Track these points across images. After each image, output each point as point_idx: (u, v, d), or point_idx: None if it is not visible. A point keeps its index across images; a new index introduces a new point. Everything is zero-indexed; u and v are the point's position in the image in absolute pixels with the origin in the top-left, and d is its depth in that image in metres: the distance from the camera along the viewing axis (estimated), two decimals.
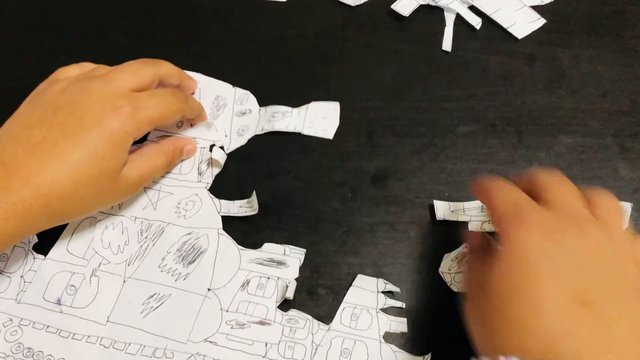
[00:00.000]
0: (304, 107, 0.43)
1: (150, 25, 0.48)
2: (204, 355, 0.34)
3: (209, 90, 0.44)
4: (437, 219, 0.38)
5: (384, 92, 0.44)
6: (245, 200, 0.39)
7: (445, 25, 0.46)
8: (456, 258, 0.37)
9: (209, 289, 0.36)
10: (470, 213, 0.38)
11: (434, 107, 0.43)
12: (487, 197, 0.30)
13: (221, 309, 0.35)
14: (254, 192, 0.38)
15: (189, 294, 0.36)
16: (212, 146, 0.41)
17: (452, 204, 0.39)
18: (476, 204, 0.39)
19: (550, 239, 0.26)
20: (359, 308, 0.36)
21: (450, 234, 0.38)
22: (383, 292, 0.36)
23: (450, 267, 0.37)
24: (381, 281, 0.36)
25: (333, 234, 0.38)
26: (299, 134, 0.42)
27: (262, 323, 0.35)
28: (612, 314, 0.25)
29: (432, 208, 0.39)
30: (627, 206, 0.38)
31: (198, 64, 0.45)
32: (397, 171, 0.40)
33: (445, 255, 0.37)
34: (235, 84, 0.44)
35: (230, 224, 0.38)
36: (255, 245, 0.37)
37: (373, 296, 0.36)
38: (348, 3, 0.48)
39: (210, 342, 0.34)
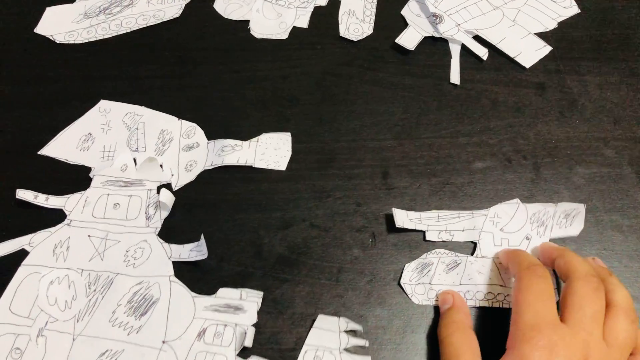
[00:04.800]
0: (254, 139, 0.42)
1: (147, 69, 0.46)
2: None
3: (154, 123, 0.43)
4: (397, 226, 0.37)
5: (395, 130, 0.43)
6: (195, 244, 0.37)
7: (451, 57, 0.45)
8: (416, 269, 0.37)
9: (163, 342, 0.34)
10: (427, 222, 0.38)
11: (447, 143, 0.42)
12: (519, 293, 0.32)
13: None
14: (202, 236, 0.37)
15: (143, 348, 0.34)
16: (159, 188, 0.40)
17: (410, 212, 0.38)
18: (433, 214, 0.38)
19: None
20: (322, 349, 0.34)
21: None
22: (345, 332, 0.35)
23: (411, 278, 0.36)
24: (343, 320, 0.35)
25: (357, 285, 0.37)
26: (311, 180, 0.40)
27: None
28: None
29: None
30: (581, 207, 0.38)
31: (198, 108, 0.44)
32: None
33: (406, 265, 0.37)
34: (240, 128, 0.42)
35: (249, 281, 0.36)
36: (284, 302, 0.36)
37: (335, 336, 0.35)
38: (350, 38, 0.47)
39: None
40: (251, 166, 0.41)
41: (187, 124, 0.43)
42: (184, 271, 0.37)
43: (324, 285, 0.37)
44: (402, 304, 0.36)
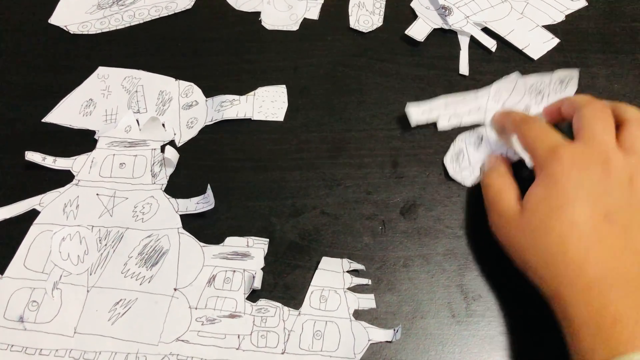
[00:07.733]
0: (251, 93, 0.44)
1: (159, 60, 0.46)
2: (177, 355, 0.34)
3: (152, 85, 0.44)
4: (413, 126, 0.41)
5: (405, 120, 0.43)
6: (202, 196, 0.39)
7: (460, 49, 0.46)
8: (452, 159, 0.41)
9: (175, 289, 0.36)
10: (437, 111, 0.41)
11: (457, 133, 0.42)
12: (524, 137, 0.36)
13: (190, 306, 0.35)
14: (209, 186, 0.38)
15: (156, 296, 0.35)
16: (163, 146, 0.41)
17: (420, 103, 0.41)
18: (440, 100, 0.41)
19: (580, 170, 0.32)
20: (327, 290, 0.36)
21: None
22: (349, 272, 0.37)
23: (454, 170, 0.40)
24: (345, 261, 0.37)
25: (367, 271, 0.37)
26: (321, 168, 0.41)
27: (232, 316, 0.35)
28: (630, 227, 0.31)
29: (467, 237, 0.38)
30: (575, 72, 0.42)
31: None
32: (426, 201, 0.40)
33: (444, 160, 0.41)
34: None
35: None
36: (295, 288, 0.37)
37: (339, 276, 0.36)
38: (360, 30, 0.47)
39: (182, 340, 0.34)
40: (262, 155, 0.41)
41: (184, 84, 0.44)
42: None
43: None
44: (411, 289, 0.37)
